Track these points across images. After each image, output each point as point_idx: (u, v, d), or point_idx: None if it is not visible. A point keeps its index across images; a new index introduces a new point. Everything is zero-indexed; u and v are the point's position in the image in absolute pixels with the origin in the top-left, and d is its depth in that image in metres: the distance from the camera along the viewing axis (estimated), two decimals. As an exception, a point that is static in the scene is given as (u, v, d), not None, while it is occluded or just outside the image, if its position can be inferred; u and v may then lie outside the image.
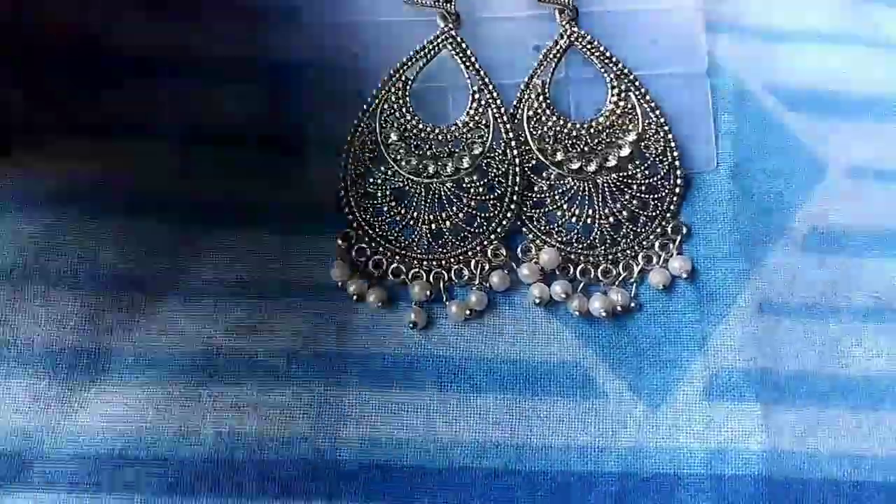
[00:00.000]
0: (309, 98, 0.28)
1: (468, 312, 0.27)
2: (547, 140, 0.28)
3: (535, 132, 0.28)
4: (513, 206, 0.28)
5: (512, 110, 0.28)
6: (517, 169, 0.28)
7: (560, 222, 0.28)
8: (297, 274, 0.27)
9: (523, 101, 0.28)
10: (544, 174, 0.28)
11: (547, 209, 0.28)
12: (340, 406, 0.26)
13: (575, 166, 0.28)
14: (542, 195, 0.28)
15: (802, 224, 0.29)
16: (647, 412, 0.27)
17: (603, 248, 0.28)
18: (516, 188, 0.28)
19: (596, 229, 0.28)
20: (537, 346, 0.27)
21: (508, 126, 0.28)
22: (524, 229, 0.28)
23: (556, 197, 0.28)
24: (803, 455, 0.26)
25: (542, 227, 0.28)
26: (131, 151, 0.28)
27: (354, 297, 0.27)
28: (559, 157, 0.28)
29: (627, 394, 0.27)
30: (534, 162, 0.28)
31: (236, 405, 0.26)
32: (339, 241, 0.27)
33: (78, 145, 0.28)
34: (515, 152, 0.28)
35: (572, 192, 0.28)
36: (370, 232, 0.28)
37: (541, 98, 0.28)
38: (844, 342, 0.27)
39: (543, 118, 0.28)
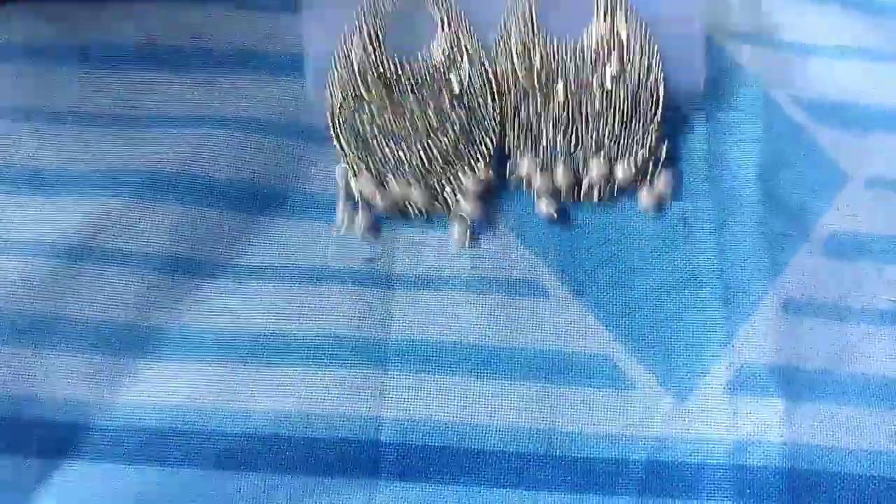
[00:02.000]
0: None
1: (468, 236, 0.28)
2: (534, 65, 0.29)
3: (521, 57, 0.29)
4: (495, 128, 0.29)
5: (500, 34, 0.29)
6: (495, 94, 0.29)
7: (550, 146, 0.29)
8: (342, 260, 0.28)
9: (510, 27, 0.29)
10: (529, 97, 0.29)
11: (534, 134, 0.29)
12: (381, 388, 0.27)
13: (561, 98, 0.29)
14: (530, 120, 0.29)
15: (825, 229, 0.30)
16: (673, 404, 0.28)
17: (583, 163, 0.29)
18: (495, 112, 0.29)
19: (580, 149, 0.29)
20: (571, 337, 0.28)
21: (483, 57, 0.29)
22: (512, 152, 0.29)
23: (542, 124, 0.29)
24: (823, 449, 0.27)
25: (531, 151, 0.29)
26: (187, 138, 0.29)
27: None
28: (544, 79, 0.29)
29: (655, 386, 0.28)
30: (522, 88, 0.29)
31: (283, 385, 0.27)
32: (338, 177, 0.29)
33: (131, 132, 0.29)
34: (491, 77, 0.29)
35: (559, 116, 0.29)
36: (363, 167, 0.29)
37: (529, 20, 0.29)
38: (864, 343, 0.29)
39: (529, 42, 0.29)
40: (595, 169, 0.29)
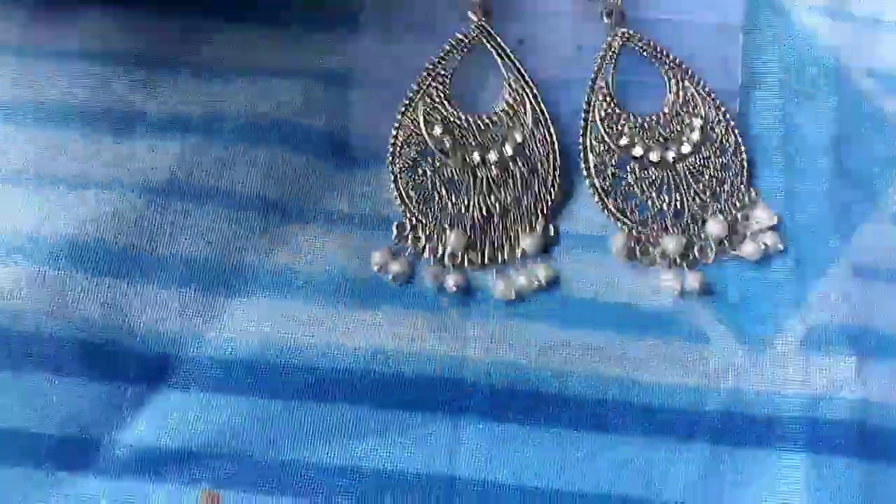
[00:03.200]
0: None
1: (513, 293, 0.29)
2: (623, 137, 0.30)
3: (610, 130, 0.30)
4: (556, 186, 0.30)
5: (582, 114, 0.30)
6: (556, 149, 0.30)
7: (653, 212, 0.30)
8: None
9: (591, 103, 0.30)
10: (628, 168, 0.30)
11: (637, 201, 0.30)
12: (465, 329, 0.28)
13: (656, 158, 0.30)
14: (630, 188, 0.30)
15: (894, 199, 0.31)
16: (748, 358, 0.28)
17: (695, 227, 0.30)
18: (557, 167, 0.30)
19: (686, 212, 0.30)
20: (648, 293, 0.29)
21: (545, 110, 0.30)
22: (619, 224, 0.30)
23: (645, 187, 0.30)
24: (894, 406, 0.28)
25: (634, 219, 0.30)
26: (282, 88, 0.30)
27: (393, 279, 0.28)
28: (639, 150, 0.30)
29: (731, 341, 0.29)
30: (615, 160, 0.30)
31: (373, 324, 0.28)
32: (395, 233, 0.29)
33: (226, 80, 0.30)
34: (552, 132, 0.30)
35: (658, 181, 0.30)
36: (423, 221, 0.29)
37: (608, 98, 0.30)
38: None
39: (614, 117, 0.30)
40: (714, 228, 0.30)
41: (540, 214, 0.29)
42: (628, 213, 0.30)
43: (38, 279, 0.27)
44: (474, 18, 0.31)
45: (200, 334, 0.28)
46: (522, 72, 0.30)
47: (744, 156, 0.30)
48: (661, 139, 0.30)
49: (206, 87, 0.30)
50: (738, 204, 0.30)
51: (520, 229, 0.29)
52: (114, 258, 0.28)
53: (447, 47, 0.30)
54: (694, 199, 0.30)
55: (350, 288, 0.28)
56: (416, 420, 0.27)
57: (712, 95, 0.31)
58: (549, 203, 0.30)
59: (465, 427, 0.27)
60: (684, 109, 0.31)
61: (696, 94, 0.31)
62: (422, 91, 0.30)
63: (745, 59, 0.32)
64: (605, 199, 0.30)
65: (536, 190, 0.30)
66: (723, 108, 0.31)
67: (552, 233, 0.29)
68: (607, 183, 0.30)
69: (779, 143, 0.31)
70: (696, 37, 0.32)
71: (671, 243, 0.29)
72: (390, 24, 0.31)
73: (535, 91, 0.30)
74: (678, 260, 0.29)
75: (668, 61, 0.31)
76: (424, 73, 0.30)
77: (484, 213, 0.29)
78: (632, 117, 0.30)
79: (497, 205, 0.29)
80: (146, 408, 0.27)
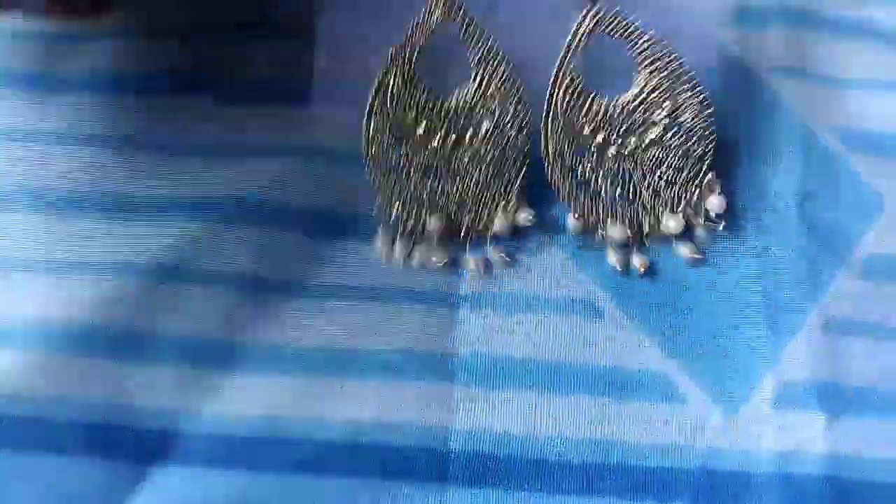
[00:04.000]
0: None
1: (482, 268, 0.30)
2: (585, 124, 0.30)
3: (572, 117, 0.30)
4: (525, 166, 0.31)
5: (548, 96, 0.30)
6: (525, 133, 0.31)
7: (607, 200, 0.31)
8: (410, 281, 0.30)
9: (556, 86, 0.30)
10: (586, 156, 0.31)
11: (592, 190, 0.31)
12: (450, 400, 0.29)
13: (614, 148, 0.31)
14: (585, 176, 0.31)
15: (862, 252, 0.32)
16: (723, 417, 0.30)
17: (644, 212, 0.31)
18: (526, 150, 0.31)
19: (637, 200, 0.31)
20: (626, 355, 0.30)
21: (518, 90, 0.30)
22: (570, 208, 0.31)
23: (600, 178, 0.31)
24: (865, 460, 0.29)
25: (588, 206, 0.31)
26: (266, 167, 0.31)
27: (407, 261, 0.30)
28: (600, 138, 0.30)
29: (706, 401, 0.30)
30: (574, 146, 0.31)
31: (358, 396, 0.29)
32: (373, 213, 0.30)
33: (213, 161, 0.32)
34: (521, 118, 0.30)
35: (614, 170, 0.31)
36: (398, 204, 0.30)
37: (574, 82, 0.30)
38: None
39: (579, 102, 0.30)
40: (671, 223, 0.31)
41: (511, 195, 0.30)
42: (580, 195, 0.31)
43: (37, 364, 0.29)
44: None
45: (197, 411, 0.29)
46: (492, 50, 0.30)
47: (711, 144, 0.31)
48: (624, 128, 0.31)
49: (194, 168, 0.31)
50: (693, 189, 0.31)
51: (493, 212, 0.31)
52: (110, 340, 0.29)
53: (411, 28, 0.30)
54: (648, 187, 0.31)
55: (339, 360, 0.29)
56: (403, 490, 0.28)
57: (689, 75, 0.30)
58: (519, 183, 0.30)
59: (451, 494, 0.28)
60: (654, 93, 0.30)
61: (670, 74, 0.30)
62: (390, 75, 0.30)
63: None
64: (561, 185, 0.30)
65: (508, 171, 0.31)
66: (699, 89, 0.31)
67: (530, 217, 0.30)
68: (565, 168, 0.30)
69: (748, 202, 0.32)
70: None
71: (616, 232, 0.30)
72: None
73: (506, 71, 0.30)
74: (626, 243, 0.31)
75: (642, 42, 0.30)
76: (390, 56, 0.30)
77: (458, 196, 0.30)
78: (595, 105, 0.30)
79: (472, 187, 0.30)
80: (147, 484, 0.28)
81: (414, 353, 0.30)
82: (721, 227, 0.31)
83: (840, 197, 0.33)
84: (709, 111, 0.31)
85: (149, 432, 0.29)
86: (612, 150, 0.31)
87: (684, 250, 0.31)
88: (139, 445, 0.29)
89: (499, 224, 0.31)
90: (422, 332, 0.30)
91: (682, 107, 0.31)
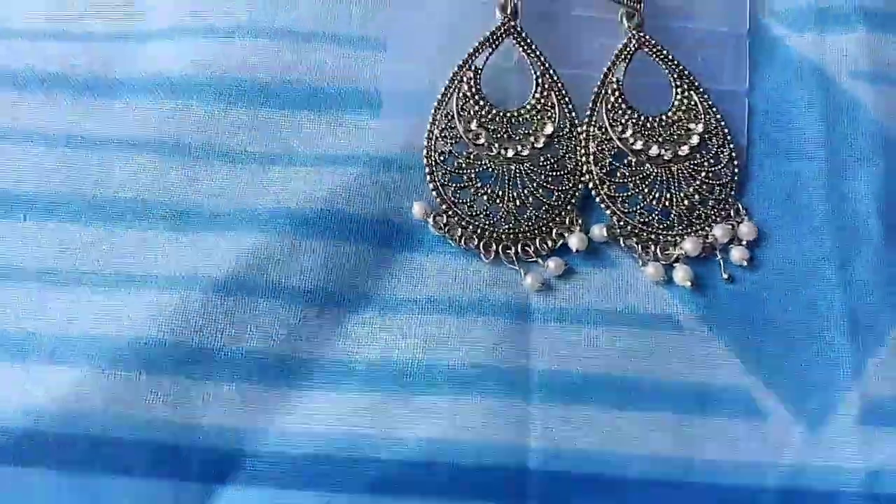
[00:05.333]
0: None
1: (541, 284, 0.30)
2: (626, 130, 0.31)
3: (614, 123, 0.31)
4: (584, 178, 0.31)
5: (590, 104, 0.32)
6: (584, 144, 0.31)
7: (641, 205, 0.31)
8: (481, 293, 0.30)
9: (601, 95, 0.32)
10: (625, 161, 0.31)
11: (629, 193, 0.31)
12: (526, 417, 0.28)
13: (654, 153, 0.31)
14: (625, 179, 0.31)
15: None
16: (806, 433, 0.29)
17: (680, 227, 0.31)
18: (587, 160, 0.31)
19: (674, 211, 0.31)
20: (706, 369, 0.29)
21: (572, 106, 0.32)
22: (608, 211, 0.31)
23: (638, 181, 0.31)
24: (955, 479, 0.28)
25: (625, 209, 0.31)
26: (332, 177, 0.30)
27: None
28: (638, 145, 0.31)
29: (788, 416, 0.29)
30: (615, 151, 0.31)
31: (431, 412, 0.28)
32: (431, 223, 0.30)
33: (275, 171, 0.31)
34: (581, 129, 0.31)
35: (651, 177, 0.31)
36: (459, 212, 0.30)
37: (617, 94, 0.32)
38: None
39: (620, 111, 0.32)
40: (688, 245, 0.31)
41: (570, 207, 0.31)
42: (618, 203, 0.31)
43: (103, 381, 0.28)
44: (500, 16, 0.32)
45: (264, 429, 0.28)
46: (549, 68, 0.32)
47: (736, 169, 0.32)
48: (660, 139, 0.31)
49: (261, 180, 0.30)
50: (722, 213, 0.31)
51: (551, 222, 0.31)
52: (176, 356, 0.28)
53: (476, 44, 0.31)
54: (683, 201, 0.31)
55: (409, 375, 0.29)
56: None
57: (714, 108, 0.32)
58: (578, 195, 0.31)
59: (529, 515, 0.28)
60: (686, 116, 0.32)
61: (699, 102, 0.32)
62: (454, 86, 0.31)
63: (789, 129, 0.32)
64: (600, 187, 0.31)
65: (565, 182, 0.31)
66: (723, 122, 0.32)
67: (603, 233, 0.31)
68: (604, 171, 0.31)
69: (828, 213, 0.31)
70: (706, 43, 0.33)
71: (689, 245, 0.30)
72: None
73: (561, 87, 0.32)
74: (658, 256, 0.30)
75: (676, 68, 0.32)
76: (456, 69, 0.31)
77: (517, 204, 0.30)
78: (636, 114, 0.32)
79: (530, 197, 0.31)
80: (213, 505, 0.27)
81: (486, 368, 0.29)
82: (746, 262, 0.31)
83: None
84: (732, 144, 0.32)
85: (216, 451, 0.28)
86: (651, 153, 0.31)
87: (736, 254, 0.31)
88: (206, 465, 0.28)
89: (573, 241, 0.31)
90: (494, 347, 0.29)
91: (712, 132, 0.32)
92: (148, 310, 0.29)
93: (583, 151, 0.31)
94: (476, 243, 0.30)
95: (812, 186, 0.31)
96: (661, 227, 0.31)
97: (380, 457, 0.28)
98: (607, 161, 0.31)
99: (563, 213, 0.31)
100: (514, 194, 0.31)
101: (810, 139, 0.32)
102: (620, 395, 0.29)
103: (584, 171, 0.31)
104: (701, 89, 0.32)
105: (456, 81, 0.31)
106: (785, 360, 0.29)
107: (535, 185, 0.31)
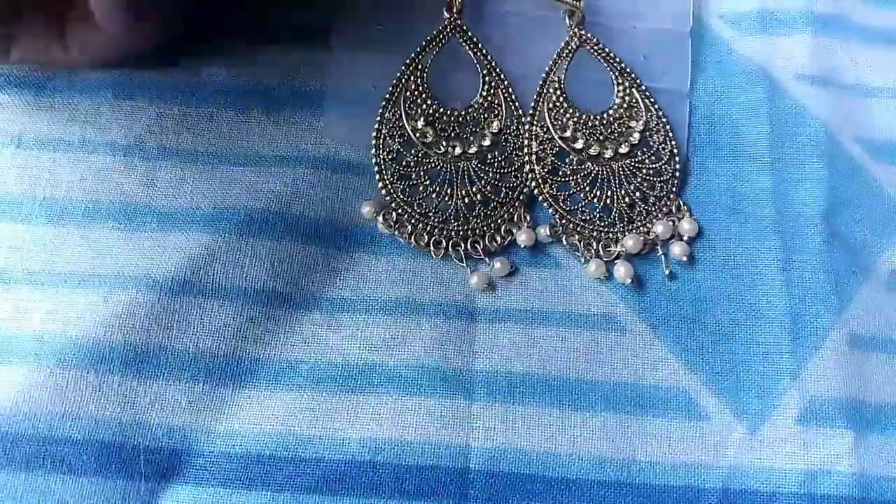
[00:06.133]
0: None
1: (486, 284, 0.30)
2: (567, 129, 0.32)
3: (556, 122, 0.32)
4: (531, 174, 0.31)
5: (532, 104, 0.32)
6: (531, 142, 0.32)
7: (583, 203, 0.31)
8: (427, 294, 0.30)
9: (542, 94, 0.32)
10: (566, 160, 0.32)
11: (571, 191, 0.31)
12: (468, 418, 0.29)
13: (594, 152, 0.32)
14: (566, 178, 0.31)
15: (886, 265, 0.31)
16: (746, 434, 0.29)
17: (621, 225, 0.31)
18: (533, 157, 0.31)
19: (615, 209, 0.31)
20: (647, 370, 0.29)
21: (518, 104, 0.32)
22: (550, 210, 0.31)
23: (580, 180, 0.31)
24: (892, 479, 0.29)
25: (567, 208, 0.31)
26: (281, 177, 0.31)
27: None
28: (580, 144, 0.32)
29: (728, 417, 0.29)
30: (556, 149, 0.32)
31: (375, 413, 0.28)
32: (380, 221, 0.30)
33: (226, 171, 0.31)
34: (527, 127, 0.32)
35: (592, 175, 0.31)
36: (408, 210, 0.30)
37: (558, 92, 0.32)
38: None
39: (562, 110, 0.32)
40: (629, 242, 0.31)
41: (518, 204, 0.31)
42: (560, 202, 0.31)
43: (51, 380, 0.28)
44: (447, 16, 0.32)
45: (210, 428, 0.28)
46: (495, 67, 0.32)
47: (677, 165, 0.32)
48: (601, 137, 0.32)
49: (208, 179, 0.31)
50: (664, 210, 0.31)
51: (500, 219, 0.31)
52: (123, 356, 0.28)
53: (423, 43, 0.32)
54: (624, 198, 0.31)
55: (353, 375, 0.29)
56: None
57: (656, 105, 0.32)
58: (525, 192, 0.31)
59: (470, 514, 0.28)
60: (627, 113, 0.32)
61: (640, 100, 0.32)
62: (401, 85, 0.32)
63: (734, 131, 0.32)
64: (542, 186, 0.31)
65: (513, 180, 0.31)
66: (664, 119, 0.32)
67: (546, 232, 0.31)
68: (546, 170, 0.31)
69: (772, 214, 0.31)
70: (649, 42, 0.34)
71: (630, 242, 0.31)
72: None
73: (507, 85, 0.32)
74: (600, 252, 0.31)
75: (618, 66, 0.33)
76: (403, 69, 0.32)
77: (466, 201, 0.31)
78: (577, 113, 0.32)
79: (478, 194, 0.31)
80: (159, 504, 0.28)
81: (431, 369, 0.29)
82: (686, 257, 0.31)
83: (865, 209, 0.32)
84: (673, 141, 0.32)
85: (162, 450, 0.28)
86: (591, 152, 0.32)
87: (676, 250, 0.31)
88: (152, 464, 0.28)
89: (522, 238, 0.31)
90: (438, 347, 0.29)
91: (653, 130, 0.32)
92: (96, 310, 0.29)
93: (526, 150, 0.32)
94: (426, 241, 0.30)
95: (756, 188, 0.32)
96: (602, 224, 0.31)
97: (324, 456, 0.28)
98: (549, 160, 0.32)
99: (511, 210, 0.31)
100: (463, 192, 0.31)
101: (755, 141, 0.32)
102: (561, 395, 0.29)
103: (527, 171, 0.31)
104: (643, 87, 0.33)
105: (403, 80, 0.32)
106: (726, 361, 0.30)
107: (483, 182, 0.31)
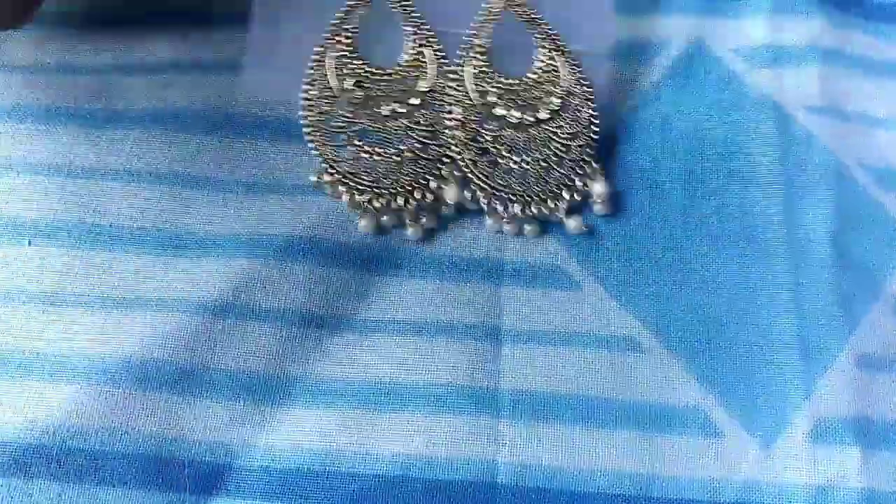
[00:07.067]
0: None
1: (422, 233, 0.32)
2: (488, 95, 0.32)
3: (478, 88, 0.32)
4: (454, 140, 0.32)
5: (456, 68, 0.32)
6: (448, 109, 0.32)
7: (504, 169, 0.32)
8: (454, 315, 0.31)
9: (464, 59, 0.33)
10: (486, 126, 0.32)
11: (491, 157, 0.32)
12: (496, 434, 0.30)
13: (514, 120, 0.32)
14: (486, 145, 0.32)
15: (893, 288, 0.33)
16: (759, 451, 0.30)
17: (537, 188, 0.32)
18: (460, 116, 0.32)
19: (531, 173, 0.32)
20: (665, 390, 0.31)
21: (447, 62, 0.32)
22: (471, 176, 0.32)
23: (499, 146, 0.32)
24: (900, 495, 0.30)
25: (486, 173, 0.32)
26: (317, 204, 0.32)
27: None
28: (500, 111, 0.32)
29: (743, 435, 0.31)
30: (478, 114, 0.32)
31: (406, 430, 0.30)
32: (314, 180, 0.32)
33: (265, 199, 0.33)
34: (455, 84, 0.32)
35: (512, 141, 0.32)
36: (339, 170, 0.32)
37: (480, 55, 0.32)
38: None
39: (483, 74, 0.32)
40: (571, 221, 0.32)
41: (445, 160, 0.32)
42: (478, 166, 0.32)
43: (100, 398, 0.30)
44: None
45: (250, 444, 0.30)
46: (423, 24, 0.32)
47: (595, 129, 0.33)
48: (522, 102, 0.33)
49: (247, 207, 0.32)
50: (580, 172, 0.32)
51: (429, 175, 0.32)
52: (166, 375, 0.30)
53: (350, 2, 0.32)
54: (538, 163, 0.32)
55: (385, 393, 0.30)
56: None
57: (579, 69, 0.33)
58: (452, 149, 0.32)
59: (498, 527, 0.29)
60: (548, 77, 0.33)
61: (563, 63, 0.33)
62: (328, 46, 0.32)
63: (748, 157, 0.34)
64: (463, 152, 0.32)
65: (441, 137, 0.32)
66: (585, 82, 0.33)
67: (457, 197, 0.32)
68: (468, 137, 0.32)
69: (783, 238, 0.33)
70: (574, 3, 0.34)
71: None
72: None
73: (436, 44, 0.32)
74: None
75: (542, 28, 0.33)
76: (330, 28, 0.32)
77: (396, 160, 0.32)
78: (500, 77, 0.33)
79: (407, 153, 0.32)
80: (203, 516, 0.29)
81: (459, 387, 0.31)
82: (605, 211, 0.33)
83: (872, 233, 0.33)
84: (593, 105, 0.33)
85: (204, 465, 0.30)
86: (512, 119, 0.32)
87: (572, 224, 0.32)
88: (194, 478, 0.30)
89: (450, 195, 0.32)
90: (466, 367, 0.31)
91: (574, 94, 0.33)
92: (142, 331, 0.30)
93: (450, 116, 0.32)
94: (362, 199, 0.31)
95: (767, 213, 0.33)
96: (520, 189, 0.32)
97: (358, 471, 0.30)
98: (471, 126, 0.32)
99: (439, 167, 0.32)
100: (392, 151, 0.32)
101: (767, 168, 0.34)
102: (584, 413, 0.30)
103: (450, 137, 0.32)
104: (567, 50, 0.33)
105: (330, 41, 0.32)
106: (740, 381, 0.31)
107: (413, 141, 0.32)
